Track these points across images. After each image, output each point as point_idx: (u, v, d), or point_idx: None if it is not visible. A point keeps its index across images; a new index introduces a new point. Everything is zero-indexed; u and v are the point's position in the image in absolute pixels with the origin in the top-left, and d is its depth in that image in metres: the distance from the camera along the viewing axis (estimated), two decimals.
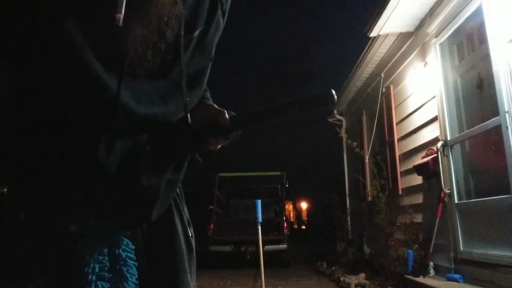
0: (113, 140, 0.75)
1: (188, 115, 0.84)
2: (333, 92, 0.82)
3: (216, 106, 0.94)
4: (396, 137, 5.94)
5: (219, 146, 0.95)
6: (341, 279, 5.92)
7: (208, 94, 1.04)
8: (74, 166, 0.74)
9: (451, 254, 4.24)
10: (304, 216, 28.23)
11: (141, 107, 0.76)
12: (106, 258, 0.79)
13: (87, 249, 0.77)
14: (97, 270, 0.77)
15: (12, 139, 0.75)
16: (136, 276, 0.82)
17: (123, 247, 0.82)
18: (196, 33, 0.85)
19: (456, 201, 4.25)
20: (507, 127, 3.37)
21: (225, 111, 0.90)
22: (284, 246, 8.66)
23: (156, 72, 0.78)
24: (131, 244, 0.83)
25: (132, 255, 0.82)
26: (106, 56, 0.72)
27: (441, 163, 4.45)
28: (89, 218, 0.78)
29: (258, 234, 4.06)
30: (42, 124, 0.73)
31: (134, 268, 0.82)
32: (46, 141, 0.74)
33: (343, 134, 7.67)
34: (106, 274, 0.78)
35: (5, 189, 0.75)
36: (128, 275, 0.80)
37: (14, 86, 0.74)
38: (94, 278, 0.76)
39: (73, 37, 0.69)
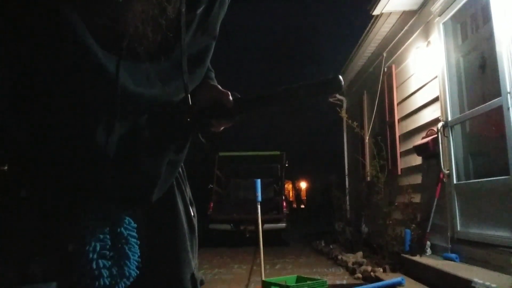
0: (112, 122, 0.74)
1: (189, 96, 0.83)
2: (340, 78, 0.80)
3: (220, 87, 0.93)
4: (396, 117, 5.92)
5: (222, 128, 0.94)
6: (339, 257, 6.01)
7: (213, 75, 1.02)
8: (73, 148, 0.74)
9: (448, 234, 4.29)
10: (303, 195, 28.42)
11: (139, 88, 0.74)
12: (108, 236, 0.79)
13: (88, 228, 0.78)
14: (98, 248, 0.77)
15: (11, 120, 0.74)
16: (138, 255, 0.82)
17: (125, 225, 0.82)
18: (199, 10, 0.82)
19: (454, 182, 4.28)
20: (508, 108, 3.36)
21: (229, 93, 0.88)
22: (283, 225, 8.76)
23: (156, 52, 0.76)
24: (133, 222, 0.83)
25: (134, 233, 0.82)
26: (104, 34, 0.70)
27: (441, 143, 4.45)
28: (89, 198, 0.78)
29: (257, 213, 4.09)
30: (39, 106, 0.72)
31: (136, 246, 0.82)
32: (44, 123, 0.73)
33: (343, 114, 7.64)
34: (108, 252, 0.78)
35: (6, 167, 0.75)
36: (130, 253, 0.81)
37: (11, 68, 0.73)
38: (95, 256, 0.76)
39: (69, 15, 0.68)
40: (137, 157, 0.78)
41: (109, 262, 0.78)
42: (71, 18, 0.68)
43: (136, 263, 0.81)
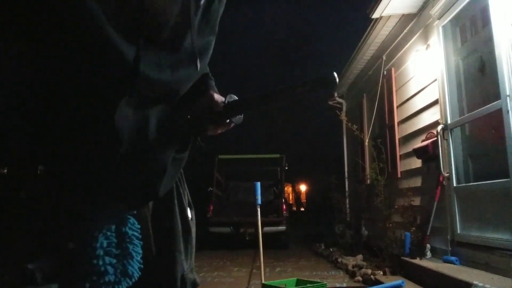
0: (129, 109, 0.76)
1: (198, 60, 0.85)
2: (335, 74, 0.83)
3: (215, 94, 0.96)
4: (396, 120, 5.92)
5: (219, 131, 0.98)
6: (339, 260, 6.00)
7: (213, 83, 1.05)
8: (89, 137, 0.75)
9: (448, 236, 4.28)
10: (303, 198, 28.38)
11: (150, 72, 0.77)
12: (114, 234, 0.81)
13: (96, 225, 0.79)
14: (105, 245, 0.79)
15: (21, 114, 0.75)
16: (141, 255, 0.84)
17: (130, 225, 0.84)
18: (203, 1, 0.86)
19: (454, 185, 4.27)
20: (507, 111, 3.36)
21: (218, 100, 0.93)
22: (283, 227, 8.74)
23: (168, 39, 0.79)
24: (137, 223, 0.85)
25: (137, 234, 0.84)
26: (122, 22, 0.72)
27: (441, 146, 4.45)
28: (97, 196, 0.79)
29: (257, 216, 4.08)
30: (56, 93, 0.74)
31: (139, 247, 0.84)
32: (59, 111, 0.74)
33: (343, 117, 7.64)
34: (113, 250, 0.80)
35: (5, 170, 0.75)
36: (133, 253, 0.82)
37: (29, 59, 0.74)
38: (102, 253, 0.78)
39: (88, 4, 0.69)
40: (147, 147, 0.80)
41: (114, 260, 0.80)
42: (89, 4, 0.69)
43: (138, 263, 0.83)
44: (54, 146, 0.75)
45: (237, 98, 0.93)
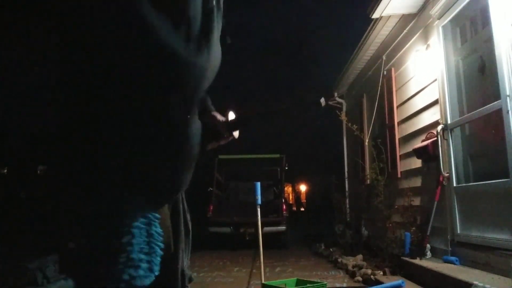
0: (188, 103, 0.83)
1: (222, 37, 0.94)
2: (323, 99, 1.01)
3: (215, 113, 1.07)
4: (396, 120, 5.92)
5: (218, 145, 1.08)
6: (339, 260, 6.00)
7: (210, 102, 1.13)
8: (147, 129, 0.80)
9: (448, 236, 4.28)
10: (303, 198, 28.38)
11: (191, 57, 0.82)
12: (145, 233, 0.87)
13: (133, 222, 0.84)
14: (140, 242, 0.85)
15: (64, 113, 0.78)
16: (161, 254, 0.89)
17: (154, 227, 0.89)
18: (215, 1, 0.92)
19: (454, 185, 4.27)
20: (507, 111, 3.36)
21: (219, 118, 1.05)
22: (283, 227, 8.75)
23: (201, 29, 0.85)
24: (159, 227, 0.90)
25: (160, 237, 0.89)
26: (169, 12, 0.76)
27: (441, 146, 4.45)
28: (133, 196, 0.84)
29: (257, 216, 4.08)
30: (104, 89, 0.76)
31: (160, 249, 0.89)
32: (110, 107, 0.77)
33: (343, 117, 7.64)
34: (145, 247, 0.85)
35: (5, 170, 0.77)
36: (157, 252, 0.88)
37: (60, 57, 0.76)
38: (137, 248, 0.83)
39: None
40: (188, 148, 0.88)
41: (146, 257, 0.85)
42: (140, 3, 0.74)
43: (159, 262, 0.86)
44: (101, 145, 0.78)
45: (234, 115, 1.06)
